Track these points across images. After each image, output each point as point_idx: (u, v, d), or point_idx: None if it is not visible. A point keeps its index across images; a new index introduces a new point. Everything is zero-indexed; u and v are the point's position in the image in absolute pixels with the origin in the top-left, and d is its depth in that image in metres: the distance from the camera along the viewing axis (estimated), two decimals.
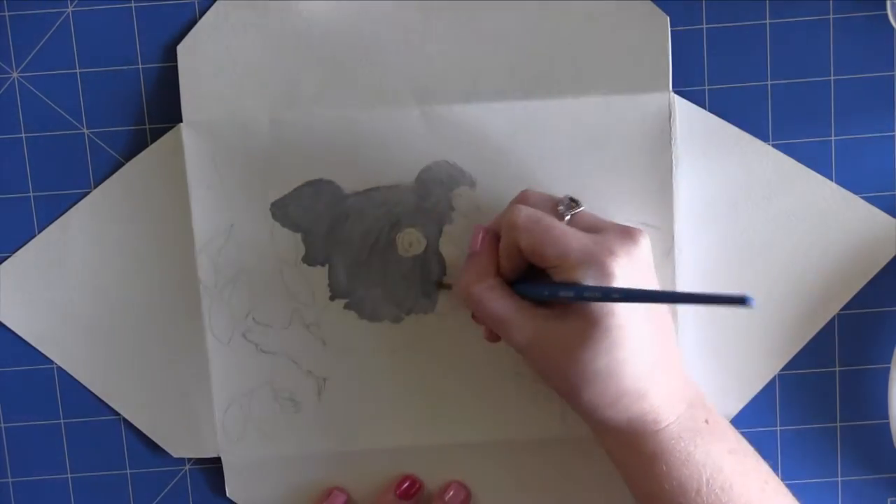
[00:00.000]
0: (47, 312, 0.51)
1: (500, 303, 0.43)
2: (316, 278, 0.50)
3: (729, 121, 0.49)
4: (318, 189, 0.49)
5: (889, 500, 0.52)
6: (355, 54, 0.49)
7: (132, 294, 0.51)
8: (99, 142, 0.50)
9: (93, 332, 0.51)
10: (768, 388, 0.51)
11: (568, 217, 0.44)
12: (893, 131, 0.50)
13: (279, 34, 0.48)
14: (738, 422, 0.50)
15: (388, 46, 0.48)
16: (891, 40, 0.49)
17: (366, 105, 0.49)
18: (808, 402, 0.51)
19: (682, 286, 0.49)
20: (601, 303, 0.41)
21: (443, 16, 0.48)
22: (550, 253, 0.41)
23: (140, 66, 0.50)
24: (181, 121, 0.49)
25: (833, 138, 0.50)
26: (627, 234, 0.42)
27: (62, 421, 0.52)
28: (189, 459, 0.52)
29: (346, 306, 0.50)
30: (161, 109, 0.50)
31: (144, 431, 0.52)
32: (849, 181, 0.50)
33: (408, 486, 0.51)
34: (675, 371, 0.44)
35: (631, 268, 0.41)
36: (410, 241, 0.50)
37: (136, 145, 0.50)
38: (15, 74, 0.50)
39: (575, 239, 0.42)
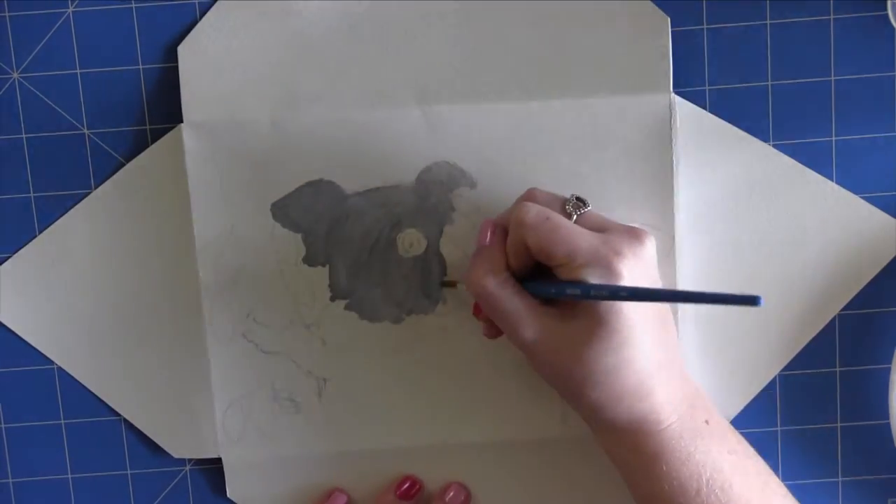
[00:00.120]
0: (48, 313, 0.51)
1: (510, 298, 0.43)
2: (316, 279, 0.50)
3: (729, 121, 0.49)
4: (318, 189, 0.49)
5: (889, 500, 0.52)
6: (356, 55, 0.49)
7: (132, 294, 0.51)
8: (99, 142, 0.50)
9: (93, 333, 0.51)
10: (769, 389, 0.51)
11: (575, 216, 0.44)
12: (894, 131, 0.50)
13: (280, 35, 0.48)
14: (739, 422, 0.50)
15: (389, 47, 0.48)
16: (891, 40, 0.49)
17: (366, 105, 0.49)
18: (809, 403, 0.51)
19: (683, 286, 0.49)
20: (608, 302, 0.41)
21: (443, 16, 0.48)
22: (558, 251, 0.42)
23: (140, 67, 0.50)
24: (182, 121, 0.49)
25: (833, 138, 0.50)
26: (634, 235, 0.42)
27: (63, 421, 0.52)
28: (189, 460, 0.52)
29: (347, 307, 0.50)
30: (161, 110, 0.50)
31: (145, 432, 0.52)
32: (849, 181, 0.50)
33: (408, 487, 0.51)
34: (678, 371, 0.44)
35: (637, 268, 0.41)
36: (411, 242, 0.50)
37: (136, 146, 0.50)
38: (15, 75, 0.50)
39: (583, 238, 0.42)
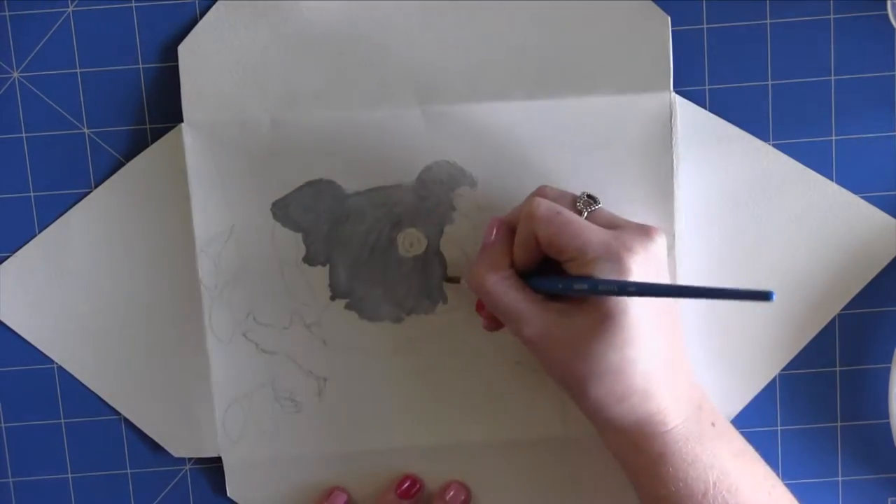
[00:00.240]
0: (48, 312, 0.51)
1: (513, 294, 0.43)
2: (316, 278, 0.50)
3: (730, 121, 0.49)
4: (318, 189, 0.49)
5: (889, 499, 0.52)
6: (356, 54, 0.49)
7: (133, 294, 0.51)
8: (99, 141, 0.50)
9: (93, 332, 0.51)
10: (769, 388, 0.51)
11: (586, 213, 0.44)
12: (894, 131, 0.50)
13: (280, 34, 0.48)
14: (739, 422, 0.50)
15: (390, 46, 0.48)
16: (891, 40, 0.49)
17: (367, 104, 0.49)
18: (809, 402, 0.51)
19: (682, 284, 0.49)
20: (613, 300, 0.41)
21: (444, 15, 0.48)
22: (569, 246, 0.42)
23: (141, 66, 0.50)
24: (182, 121, 0.49)
25: (833, 138, 0.50)
26: (644, 232, 0.42)
27: (63, 420, 0.52)
28: (189, 459, 0.52)
29: (347, 306, 0.50)
30: (162, 109, 0.50)
31: (145, 431, 0.52)
32: (849, 181, 0.50)
33: (408, 486, 0.51)
34: (684, 373, 0.44)
35: (647, 265, 0.41)
36: (411, 241, 0.50)
37: (136, 145, 0.50)
38: (16, 74, 0.50)
39: (594, 233, 0.42)
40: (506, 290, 0.43)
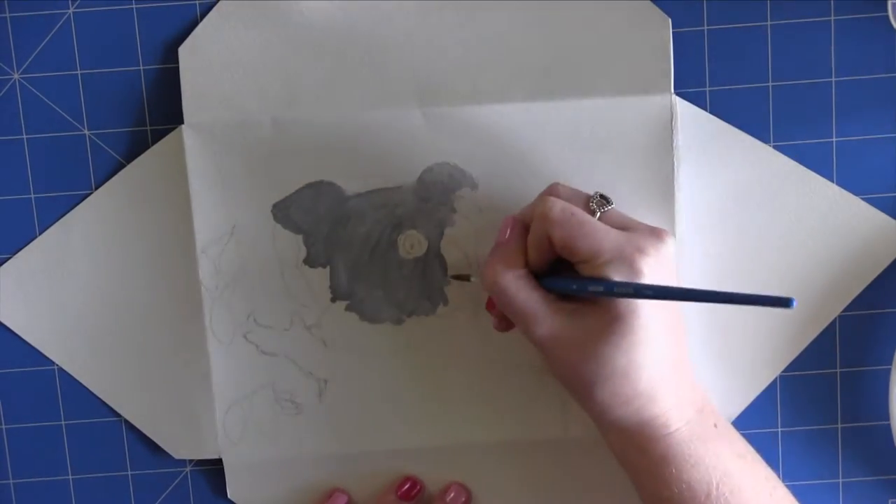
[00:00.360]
0: (48, 314, 0.51)
1: (526, 294, 0.43)
2: (317, 280, 0.50)
3: (730, 122, 0.49)
4: (319, 191, 0.49)
5: (890, 501, 0.52)
6: (357, 55, 0.48)
7: (133, 295, 0.51)
8: (100, 143, 0.50)
9: (94, 334, 0.51)
10: (770, 390, 0.51)
11: (599, 213, 0.44)
12: (894, 132, 0.50)
13: (281, 35, 0.48)
14: (740, 423, 0.51)
15: (390, 47, 0.48)
16: (892, 41, 0.49)
17: (367, 106, 0.49)
18: (810, 404, 0.51)
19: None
20: (625, 302, 0.41)
21: (444, 17, 0.48)
22: (583, 247, 0.42)
23: (141, 68, 0.50)
24: (182, 122, 0.49)
25: (834, 140, 0.50)
26: (656, 234, 0.42)
27: (63, 422, 0.52)
28: (190, 461, 0.52)
29: (348, 308, 0.50)
30: (162, 111, 0.50)
31: (145, 433, 0.52)
32: (850, 183, 0.50)
33: (409, 488, 0.51)
34: (687, 376, 0.44)
35: (658, 267, 0.41)
36: (412, 243, 0.50)
37: (137, 146, 0.50)
38: (16, 75, 0.50)
39: (607, 235, 0.42)
40: (520, 289, 0.43)
